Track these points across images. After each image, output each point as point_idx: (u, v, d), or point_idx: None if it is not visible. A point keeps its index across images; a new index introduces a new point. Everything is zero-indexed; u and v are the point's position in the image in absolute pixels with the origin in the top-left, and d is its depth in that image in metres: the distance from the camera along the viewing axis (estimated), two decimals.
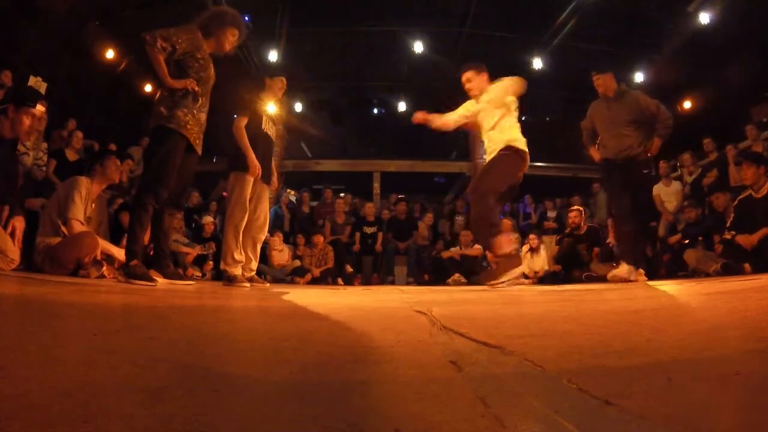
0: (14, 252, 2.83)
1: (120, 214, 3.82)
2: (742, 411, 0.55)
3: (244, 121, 3.53)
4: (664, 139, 3.94)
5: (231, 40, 3.11)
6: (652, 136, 3.96)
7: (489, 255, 3.93)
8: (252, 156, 3.46)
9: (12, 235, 2.84)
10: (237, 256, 3.50)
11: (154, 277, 2.79)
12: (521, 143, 3.56)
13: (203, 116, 3.03)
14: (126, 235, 3.44)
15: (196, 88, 2.89)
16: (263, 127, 3.70)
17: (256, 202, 3.66)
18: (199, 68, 2.95)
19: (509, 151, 3.51)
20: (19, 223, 2.90)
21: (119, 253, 3.30)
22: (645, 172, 4.09)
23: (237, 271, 3.48)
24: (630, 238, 4.06)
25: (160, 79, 2.82)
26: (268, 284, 3.93)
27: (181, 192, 3.12)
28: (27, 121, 2.87)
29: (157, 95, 2.92)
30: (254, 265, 3.76)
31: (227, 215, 3.57)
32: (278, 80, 3.84)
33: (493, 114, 3.58)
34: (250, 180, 3.51)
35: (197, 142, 3.00)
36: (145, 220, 2.84)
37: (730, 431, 0.51)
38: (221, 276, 3.65)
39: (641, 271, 3.88)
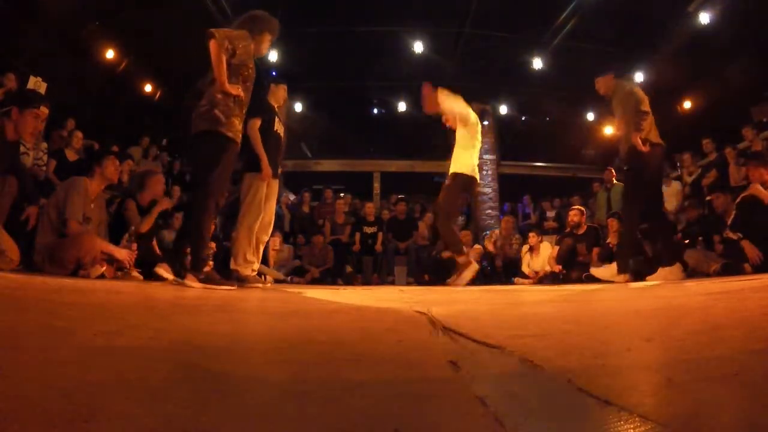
0: (14, 252, 2.83)
1: (127, 205, 3.85)
2: (742, 411, 0.55)
3: (257, 123, 3.58)
4: (636, 127, 3.74)
5: (266, 45, 3.14)
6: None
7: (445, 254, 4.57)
8: (265, 160, 3.53)
9: (26, 222, 3.02)
10: (249, 257, 3.54)
11: (166, 275, 2.83)
12: (467, 168, 4.23)
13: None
14: (131, 234, 3.45)
15: (243, 96, 2.88)
16: (275, 128, 3.78)
17: (265, 201, 3.67)
18: (248, 77, 2.94)
19: (455, 180, 4.25)
20: (33, 211, 3.09)
21: (119, 253, 3.30)
22: (625, 168, 3.96)
23: (248, 271, 3.51)
24: (625, 241, 4.09)
25: (218, 78, 2.75)
26: (269, 284, 3.94)
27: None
28: (32, 123, 2.88)
29: (206, 97, 2.84)
30: (256, 265, 3.78)
31: (241, 215, 3.58)
32: (281, 87, 3.95)
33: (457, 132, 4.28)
34: (265, 181, 3.57)
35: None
36: (209, 224, 2.92)
37: (730, 431, 0.51)
38: (222, 276, 3.65)
39: (627, 276, 3.85)
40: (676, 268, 3.70)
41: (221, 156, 2.81)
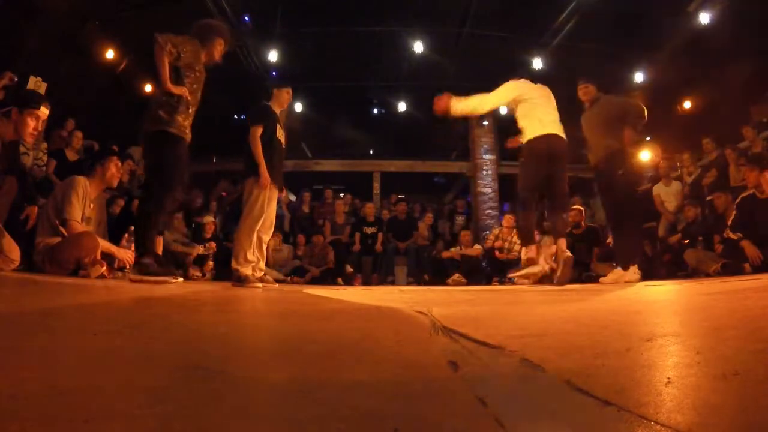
0: (14, 252, 2.83)
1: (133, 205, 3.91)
2: (742, 411, 0.55)
3: (259, 131, 3.63)
4: (635, 128, 4.04)
5: (219, 50, 3.27)
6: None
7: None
8: (264, 168, 3.57)
9: (25, 222, 3.10)
10: (249, 257, 3.58)
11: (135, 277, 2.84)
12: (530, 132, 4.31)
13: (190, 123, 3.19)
14: (131, 234, 3.49)
15: (189, 98, 3.02)
16: (277, 134, 3.80)
17: (267, 203, 3.71)
18: (194, 80, 3.09)
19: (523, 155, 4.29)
20: (33, 211, 3.19)
21: (119, 253, 3.31)
22: (620, 172, 4.09)
23: (248, 271, 3.55)
24: (620, 241, 4.16)
25: (160, 79, 2.89)
26: (277, 284, 3.94)
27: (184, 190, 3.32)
28: (31, 123, 2.89)
29: (153, 98, 3.03)
30: (262, 264, 3.81)
31: (243, 217, 3.64)
32: (285, 91, 3.96)
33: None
34: (265, 189, 3.61)
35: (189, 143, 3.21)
36: (158, 221, 3.01)
37: (730, 431, 0.51)
38: (222, 276, 3.66)
39: (634, 268, 3.85)
40: (631, 271, 3.81)
41: (169, 153, 2.94)
